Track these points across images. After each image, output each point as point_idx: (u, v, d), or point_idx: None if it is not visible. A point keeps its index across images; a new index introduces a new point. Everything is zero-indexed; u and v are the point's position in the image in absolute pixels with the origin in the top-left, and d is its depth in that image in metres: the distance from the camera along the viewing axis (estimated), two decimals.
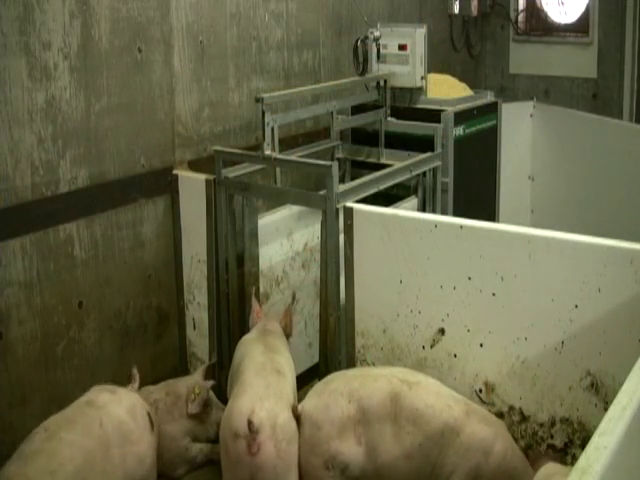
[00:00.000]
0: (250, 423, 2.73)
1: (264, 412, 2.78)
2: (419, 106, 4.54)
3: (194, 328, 4.04)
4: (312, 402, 2.94)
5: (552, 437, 2.95)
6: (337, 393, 2.90)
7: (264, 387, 2.89)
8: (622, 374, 2.16)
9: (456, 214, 4.15)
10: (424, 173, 4.16)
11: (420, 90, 4.54)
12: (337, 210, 3.35)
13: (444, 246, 3.09)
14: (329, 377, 3.10)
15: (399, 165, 3.98)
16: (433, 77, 4.84)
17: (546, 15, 7.06)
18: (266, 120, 3.63)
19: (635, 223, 4.98)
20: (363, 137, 4.56)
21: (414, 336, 3.23)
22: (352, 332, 3.39)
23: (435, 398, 2.85)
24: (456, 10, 6.53)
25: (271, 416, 2.78)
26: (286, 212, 3.96)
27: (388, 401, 2.83)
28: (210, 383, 3.51)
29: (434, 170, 4.21)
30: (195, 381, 3.55)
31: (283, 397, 2.90)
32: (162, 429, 3.43)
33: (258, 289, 3.73)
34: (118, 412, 3.00)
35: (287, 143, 4.38)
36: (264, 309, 3.66)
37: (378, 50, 4.49)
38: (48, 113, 3.36)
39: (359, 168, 4.44)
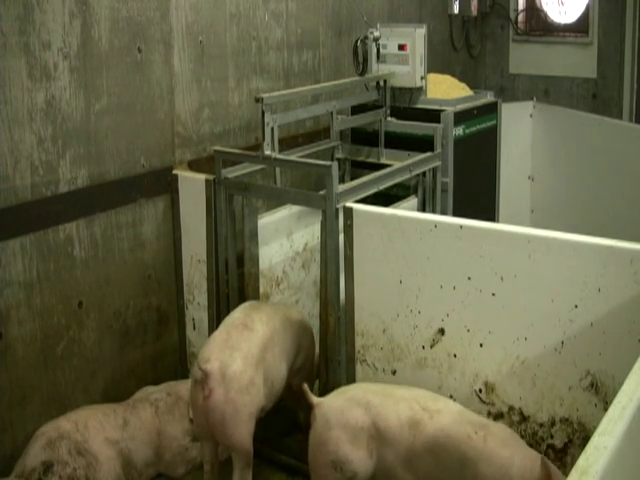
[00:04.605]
0: (201, 369, 3.01)
1: (217, 362, 3.05)
2: (419, 106, 4.54)
3: (194, 328, 4.04)
4: (329, 401, 2.98)
5: (552, 437, 2.95)
6: (354, 401, 2.92)
7: (224, 340, 3.17)
8: (622, 374, 2.16)
9: (456, 214, 4.15)
10: (424, 173, 4.16)
11: (420, 90, 4.54)
12: (337, 210, 3.35)
13: (444, 246, 3.09)
14: (353, 385, 3.16)
15: (399, 165, 3.98)
16: (433, 77, 4.84)
17: (546, 15, 7.06)
18: (266, 120, 3.63)
19: (635, 223, 4.98)
20: (363, 137, 4.56)
21: (414, 336, 3.23)
22: (352, 332, 3.39)
23: (456, 428, 2.80)
24: (456, 10, 6.53)
25: (223, 366, 3.05)
26: (286, 212, 3.95)
27: (407, 427, 2.82)
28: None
29: (434, 170, 4.21)
30: None
31: (241, 349, 3.14)
32: (163, 429, 3.43)
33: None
34: None
35: (287, 143, 4.39)
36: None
37: (378, 50, 4.49)
38: (48, 113, 3.36)
39: (359, 168, 4.44)
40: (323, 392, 3.52)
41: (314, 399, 3.00)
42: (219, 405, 3.03)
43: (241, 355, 3.12)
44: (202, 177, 3.85)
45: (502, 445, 2.78)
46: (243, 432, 3.09)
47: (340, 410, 2.91)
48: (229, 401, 3.03)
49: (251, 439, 3.14)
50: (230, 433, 3.07)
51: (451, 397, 3.12)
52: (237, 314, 3.38)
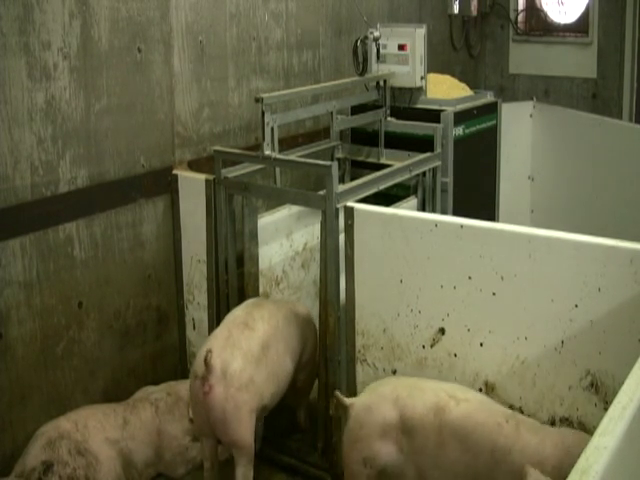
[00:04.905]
0: (206, 363, 3.01)
1: (218, 359, 3.08)
2: (419, 106, 4.54)
3: (194, 328, 4.04)
4: (361, 400, 3.01)
5: None
6: (383, 397, 2.94)
7: (225, 338, 3.20)
8: (622, 374, 2.16)
9: (456, 214, 4.15)
10: (424, 173, 4.16)
11: (420, 90, 4.53)
12: (337, 210, 3.35)
13: (444, 246, 3.09)
14: (383, 380, 3.16)
15: (399, 165, 3.98)
16: (433, 77, 4.84)
17: (546, 15, 7.06)
18: (266, 120, 3.62)
19: (635, 223, 4.98)
20: (363, 137, 4.55)
21: (414, 336, 3.23)
22: (352, 332, 3.39)
23: (484, 416, 2.79)
24: (456, 10, 6.53)
25: (224, 364, 3.09)
26: (286, 212, 3.95)
27: (432, 414, 2.82)
28: None
29: (434, 170, 4.21)
30: None
31: (242, 348, 3.18)
32: (163, 429, 3.43)
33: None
34: None
35: (287, 143, 4.39)
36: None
37: (378, 50, 4.48)
38: (48, 113, 3.36)
39: (359, 168, 4.44)
40: (323, 392, 3.53)
41: (347, 400, 3.03)
42: (219, 402, 3.05)
43: (241, 353, 3.16)
44: (202, 177, 3.85)
45: (533, 431, 2.75)
46: (244, 429, 3.11)
47: (369, 408, 2.94)
48: (229, 398, 3.06)
49: (252, 436, 3.15)
50: (231, 430, 3.09)
51: None
52: (238, 312, 3.40)
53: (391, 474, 2.91)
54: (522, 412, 3.00)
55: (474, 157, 4.62)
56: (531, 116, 5.96)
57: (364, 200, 3.53)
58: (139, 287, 3.89)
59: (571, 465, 2.28)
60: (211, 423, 3.09)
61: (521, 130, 5.88)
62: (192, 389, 3.16)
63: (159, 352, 4.04)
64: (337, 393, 3.10)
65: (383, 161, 4.37)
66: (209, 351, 3.05)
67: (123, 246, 3.79)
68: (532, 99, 6.13)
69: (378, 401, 2.94)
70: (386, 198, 3.90)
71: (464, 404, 2.83)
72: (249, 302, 3.52)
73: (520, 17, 7.10)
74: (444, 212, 4.27)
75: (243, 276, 3.80)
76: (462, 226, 3.05)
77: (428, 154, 4.17)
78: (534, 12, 7.09)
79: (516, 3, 7.08)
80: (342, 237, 3.36)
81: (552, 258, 2.84)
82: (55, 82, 3.38)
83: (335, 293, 3.38)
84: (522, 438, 2.72)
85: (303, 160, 3.86)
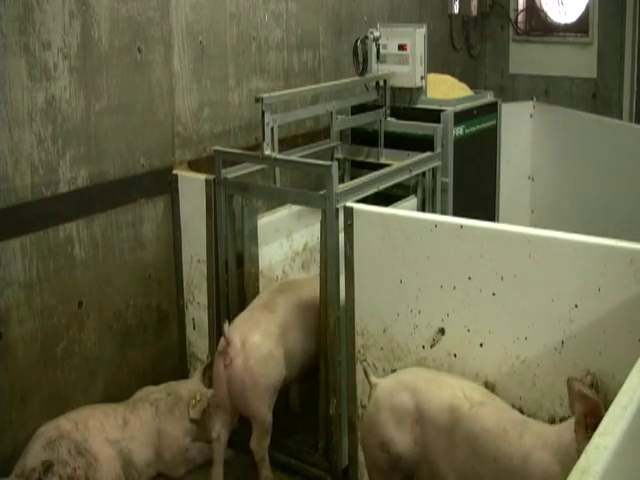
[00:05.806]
0: (225, 338, 3.26)
1: (237, 333, 3.33)
2: (419, 106, 4.54)
3: (194, 328, 4.04)
4: (384, 383, 3.03)
5: None
6: (402, 385, 2.96)
7: (247, 319, 3.45)
8: (622, 374, 2.16)
9: (456, 214, 4.15)
10: (424, 173, 4.16)
11: (420, 90, 4.53)
12: (337, 210, 3.35)
13: (444, 246, 3.09)
14: (409, 369, 3.18)
15: (399, 165, 3.98)
16: (433, 77, 4.84)
17: (546, 15, 7.06)
18: (266, 120, 3.63)
19: (635, 223, 4.98)
20: (363, 137, 4.56)
21: (414, 336, 3.23)
22: (352, 332, 3.39)
23: (493, 422, 2.76)
24: (456, 10, 6.53)
25: (243, 338, 3.32)
26: (286, 212, 3.95)
27: (446, 413, 2.82)
28: (211, 391, 3.50)
29: (434, 170, 4.21)
30: (197, 386, 3.56)
31: (260, 326, 3.40)
32: (163, 429, 3.43)
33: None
34: None
35: (287, 143, 4.39)
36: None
37: (378, 50, 4.48)
38: (48, 113, 3.36)
39: (359, 168, 4.44)
40: (324, 392, 3.53)
41: (373, 379, 3.06)
42: (238, 374, 3.26)
43: (260, 330, 3.37)
44: (202, 177, 3.85)
45: (536, 437, 2.70)
46: (261, 402, 3.30)
47: (389, 393, 2.96)
48: (248, 369, 3.27)
49: (269, 410, 3.34)
50: (249, 401, 3.30)
51: None
52: (264, 295, 3.64)
53: (407, 466, 2.91)
54: (522, 412, 2.99)
55: (474, 157, 4.62)
56: (531, 116, 5.96)
57: (364, 200, 3.53)
58: (139, 287, 3.89)
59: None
60: (231, 396, 3.27)
61: (521, 130, 5.88)
62: (214, 365, 3.38)
63: (159, 352, 4.04)
64: (366, 368, 3.15)
65: (383, 161, 4.37)
66: (228, 325, 3.26)
67: (123, 246, 3.79)
68: (532, 99, 6.13)
69: (398, 388, 2.95)
70: (386, 198, 3.90)
71: (477, 407, 2.81)
72: (275, 286, 3.74)
73: (520, 17, 7.10)
74: (444, 212, 4.27)
75: (243, 276, 3.81)
76: (462, 226, 3.05)
77: (428, 154, 4.17)
78: (534, 12, 7.09)
79: (516, 3, 7.08)
80: (342, 237, 3.36)
81: (552, 258, 2.84)
82: (55, 82, 3.38)
83: (335, 293, 3.38)
84: (524, 445, 2.68)
85: (303, 160, 3.86)
